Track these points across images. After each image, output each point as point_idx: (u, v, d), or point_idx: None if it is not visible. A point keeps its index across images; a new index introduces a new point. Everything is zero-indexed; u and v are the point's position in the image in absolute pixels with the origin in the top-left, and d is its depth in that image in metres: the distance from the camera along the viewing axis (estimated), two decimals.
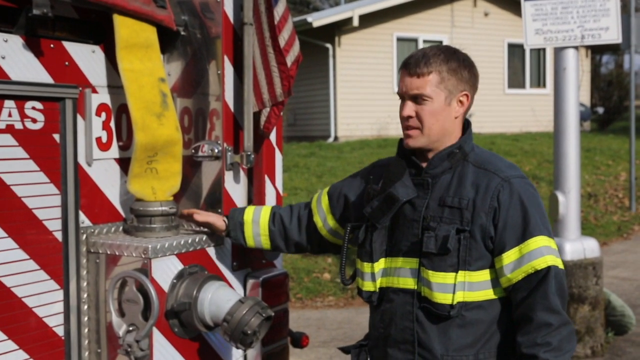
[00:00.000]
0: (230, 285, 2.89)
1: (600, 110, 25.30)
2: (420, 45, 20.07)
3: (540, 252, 2.25)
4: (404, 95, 2.37)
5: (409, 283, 2.38)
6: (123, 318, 2.62)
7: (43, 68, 2.54)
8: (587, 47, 21.21)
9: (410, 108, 2.36)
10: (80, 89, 2.66)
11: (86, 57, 2.69)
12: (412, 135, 2.38)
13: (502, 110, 21.11)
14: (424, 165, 2.41)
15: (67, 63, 2.62)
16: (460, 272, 2.28)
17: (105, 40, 2.75)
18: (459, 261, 2.28)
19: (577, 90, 6.08)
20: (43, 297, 2.57)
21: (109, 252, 2.67)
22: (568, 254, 5.93)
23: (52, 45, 2.57)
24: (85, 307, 2.71)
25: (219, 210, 2.89)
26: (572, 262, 5.90)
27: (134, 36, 2.71)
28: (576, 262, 5.91)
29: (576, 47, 6.07)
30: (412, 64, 2.34)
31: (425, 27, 20.13)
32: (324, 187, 2.83)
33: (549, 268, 2.24)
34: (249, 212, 2.81)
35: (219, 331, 2.73)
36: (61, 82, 2.59)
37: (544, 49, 21.49)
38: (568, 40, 6.05)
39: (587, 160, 14.67)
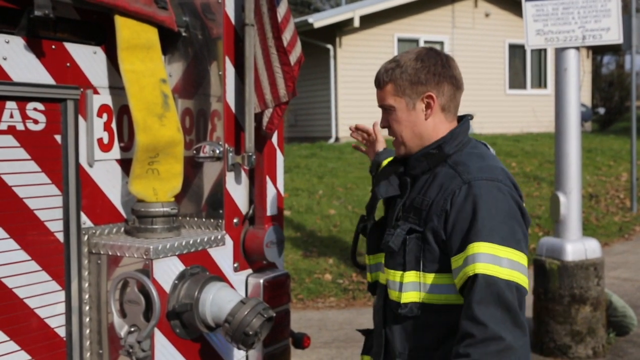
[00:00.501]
0: (232, 286, 2.89)
1: (602, 110, 25.30)
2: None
3: (473, 259, 2.11)
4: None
5: (383, 279, 2.43)
6: (125, 319, 2.63)
7: (44, 69, 2.54)
8: (588, 48, 21.22)
9: (383, 119, 2.44)
10: (82, 90, 2.67)
11: (87, 58, 2.70)
12: (395, 145, 2.45)
13: (503, 111, 21.12)
14: None
15: (68, 64, 2.62)
16: (410, 272, 2.25)
17: (107, 42, 2.75)
18: (405, 261, 2.25)
19: (578, 90, 6.07)
20: (45, 298, 2.57)
21: (110, 253, 2.67)
22: (569, 254, 5.92)
23: (53, 47, 2.57)
24: (87, 308, 2.71)
25: (220, 211, 2.89)
26: (574, 262, 5.90)
27: (135, 37, 2.72)
28: (577, 262, 5.91)
29: (577, 48, 6.06)
30: (376, 77, 2.42)
31: (426, 28, 20.14)
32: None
33: (475, 276, 2.09)
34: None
35: (221, 332, 2.73)
36: (63, 83, 2.60)
37: (544, 50, 21.50)
38: (569, 41, 6.05)
39: (589, 161, 14.67)
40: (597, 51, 25.88)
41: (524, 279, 2.14)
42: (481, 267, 2.09)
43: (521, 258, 2.15)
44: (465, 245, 2.15)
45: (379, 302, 2.46)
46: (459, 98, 2.41)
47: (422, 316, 2.26)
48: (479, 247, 2.12)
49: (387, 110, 2.39)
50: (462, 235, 2.16)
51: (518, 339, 2.07)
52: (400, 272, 2.27)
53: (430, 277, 2.25)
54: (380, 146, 2.98)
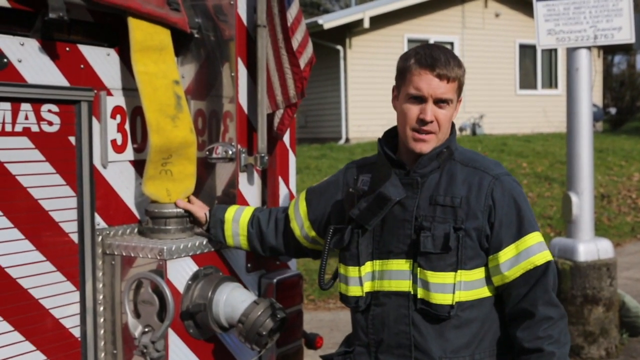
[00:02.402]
0: (245, 287, 2.89)
1: (613, 110, 25.17)
2: None
3: (538, 248, 2.29)
4: (427, 97, 2.29)
5: (403, 285, 2.33)
6: (139, 319, 2.64)
7: (59, 71, 2.56)
8: (599, 47, 21.11)
9: (432, 111, 2.29)
10: (96, 91, 2.68)
11: (101, 60, 2.71)
12: (426, 140, 2.31)
13: (514, 111, 21.06)
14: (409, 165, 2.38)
15: (82, 66, 2.64)
16: (458, 271, 2.28)
17: (120, 43, 2.76)
18: (457, 260, 2.27)
19: (590, 90, 6.05)
20: (59, 299, 2.59)
21: (124, 254, 2.68)
22: (582, 255, 5.90)
23: (67, 49, 2.59)
24: (101, 308, 2.72)
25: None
26: (586, 263, 5.87)
27: (148, 39, 2.73)
28: (590, 263, 5.88)
29: (589, 48, 6.05)
30: (441, 66, 2.27)
31: (436, 28, 20.10)
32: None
33: (548, 263, 2.29)
34: (231, 211, 2.78)
35: (234, 332, 2.73)
36: (77, 85, 2.61)
37: (555, 50, 21.41)
38: (581, 41, 6.03)
39: (600, 161, 14.60)
40: (608, 51, 25.72)
41: None
42: (548, 255, 2.31)
43: None
44: (518, 236, 2.29)
45: (398, 311, 2.33)
46: None
47: (459, 315, 2.29)
48: (535, 237, 2.31)
49: (442, 104, 2.30)
50: (513, 228, 2.29)
51: None
52: (452, 273, 2.27)
53: (468, 274, 2.29)
54: (201, 210, 2.82)
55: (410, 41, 19.68)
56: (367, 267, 2.39)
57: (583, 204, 6.01)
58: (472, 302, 2.31)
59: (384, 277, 2.37)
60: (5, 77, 2.38)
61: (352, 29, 18.87)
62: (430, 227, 2.28)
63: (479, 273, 2.32)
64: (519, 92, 21.57)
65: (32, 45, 2.47)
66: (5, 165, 2.40)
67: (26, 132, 2.47)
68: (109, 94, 2.74)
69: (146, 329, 2.61)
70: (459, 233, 2.26)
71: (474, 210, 2.28)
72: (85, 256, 2.66)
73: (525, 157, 15.15)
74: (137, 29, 2.70)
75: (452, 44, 20.26)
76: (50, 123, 2.54)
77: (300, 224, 2.68)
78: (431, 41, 19.78)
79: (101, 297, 2.72)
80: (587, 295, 5.85)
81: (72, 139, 2.62)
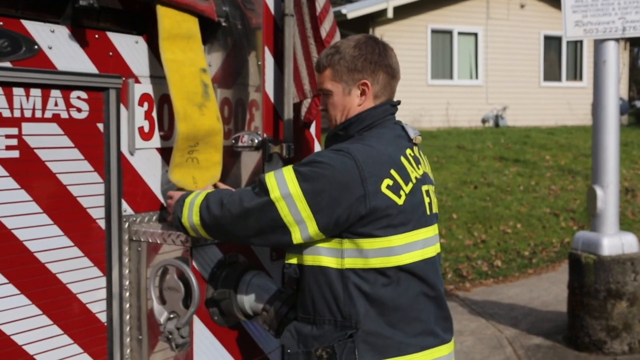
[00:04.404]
0: (269, 275, 2.90)
1: (639, 103, 24.85)
2: (455, 38, 19.90)
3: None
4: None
5: None
6: (164, 305, 2.66)
7: (88, 58, 2.57)
8: (626, 40, 20.85)
9: (322, 102, 2.54)
10: (124, 79, 2.69)
11: (130, 47, 2.72)
12: (329, 128, 2.53)
13: (538, 103, 20.88)
14: None
15: (111, 53, 2.65)
16: None
17: (148, 31, 2.77)
18: None
19: (617, 83, 5.97)
20: (86, 284, 2.62)
21: (150, 241, 2.70)
22: (606, 249, 5.85)
23: (96, 36, 2.60)
24: (127, 294, 2.75)
25: None
26: (610, 257, 5.82)
27: (176, 27, 2.74)
28: (614, 257, 5.83)
29: (617, 40, 5.97)
30: (317, 61, 2.52)
31: (460, 19, 19.96)
32: None
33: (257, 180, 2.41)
34: None
35: (258, 320, 2.75)
36: (105, 72, 2.63)
37: (580, 41, 21.18)
38: (609, 33, 5.95)
39: (625, 155, 14.42)
40: (635, 43, 25.40)
41: None
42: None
43: None
44: None
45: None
46: (395, 86, 2.53)
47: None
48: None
49: (325, 94, 2.50)
50: None
51: None
52: None
53: None
54: None
55: (434, 32, 19.57)
56: None
57: (608, 197, 5.96)
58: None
59: None
60: (35, 64, 2.40)
61: (375, 19, 18.79)
62: None
63: None
64: (543, 84, 21.38)
65: (62, 32, 2.49)
66: (35, 150, 2.43)
67: (55, 118, 2.49)
68: (137, 81, 2.75)
69: (171, 315, 2.63)
70: None
71: None
72: (112, 242, 2.69)
73: (548, 150, 15.02)
74: (166, 17, 2.71)
75: (476, 34, 20.11)
76: (79, 110, 2.57)
77: None
78: (455, 32, 19.70)
79: (127, 283, 2.74)
80: (610, 290, 5.80)
81: (100, 126, 2.64)
